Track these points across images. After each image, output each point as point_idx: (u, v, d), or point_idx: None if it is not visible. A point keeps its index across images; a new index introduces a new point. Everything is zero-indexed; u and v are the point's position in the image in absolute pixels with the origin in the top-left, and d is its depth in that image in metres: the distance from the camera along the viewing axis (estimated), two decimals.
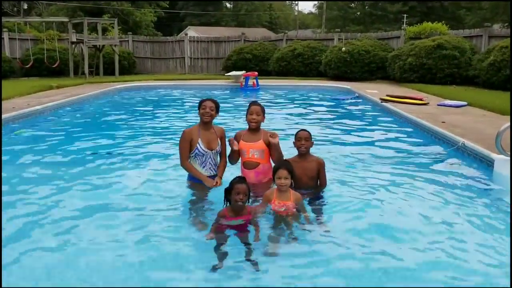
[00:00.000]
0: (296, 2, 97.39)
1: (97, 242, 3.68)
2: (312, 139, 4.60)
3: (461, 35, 17.94)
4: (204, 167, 4.74)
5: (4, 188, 4.83)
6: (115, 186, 5.09)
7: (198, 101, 4.87)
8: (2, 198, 4.45)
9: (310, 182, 4.55)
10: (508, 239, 3.70)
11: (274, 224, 3.89)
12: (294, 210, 4.01)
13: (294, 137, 4.61)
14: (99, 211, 4.33)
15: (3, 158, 6.00)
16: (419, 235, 3.85)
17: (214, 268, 3.24)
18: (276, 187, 4.09)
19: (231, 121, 9.13)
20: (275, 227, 3.85)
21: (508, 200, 4.62)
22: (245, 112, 4.72)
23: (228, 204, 3.91)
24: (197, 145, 4.65)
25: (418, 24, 20.56)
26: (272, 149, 4.57)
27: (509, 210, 4.40)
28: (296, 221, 3.93)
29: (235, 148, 4.65)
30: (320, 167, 4.58)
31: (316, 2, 66.09)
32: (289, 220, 3.92)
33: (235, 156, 4.76)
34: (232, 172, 4.77)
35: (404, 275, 3.23)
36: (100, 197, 4.73)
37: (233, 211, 3.86)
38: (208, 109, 4.66)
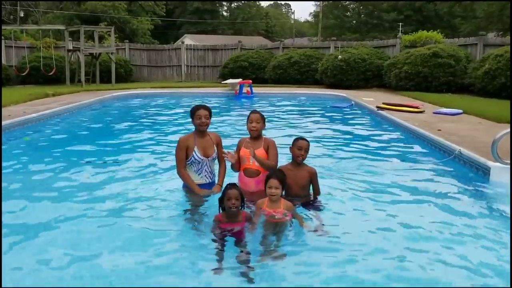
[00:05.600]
0: (292, 10, 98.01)
1: (94, 247, 3.68)
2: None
3: (456, 44, 18.09)
4: (199, 174, 4.73)
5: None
6: (110, 194, 5.07)
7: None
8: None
9: (300, 191, 4.50)
10: (507, 244, 3.72)
11: (265, 233, 3.85)
12: (287, 218, 3.97)
13: (292, 143, 4.55)
14: (94, 218, 4.31)
15: (4, 165, 5.98)
16: (415, 241, 3.85)
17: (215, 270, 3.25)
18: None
19: (225, 128, 9.12)
20: (266, 237, 3.82)
21: (505, 207, 4.64)
22: (245, 121, 4.71)
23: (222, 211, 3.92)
24: (193, 152, 4.63)
25: (414, 32, 20.71)
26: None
27: (506, 216, 4.41)
28: (286, 231, 3.89)
29: (232, 161, 4.61)
30: (312, 176, 4.54)
31: (312, 11, 66.51)
32: (280, 229, 3.89)
33: (236, 166, 4.72)
34: (230, 179, 4.75)
35: (400, 280, 3.23)
36: (96, 205, 4.70)
37: (227, 217, 3.86)
38: (204, 118, 4.64)
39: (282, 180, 4.00)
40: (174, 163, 4.79)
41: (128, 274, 3.29)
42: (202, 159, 4.67)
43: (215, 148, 4.77)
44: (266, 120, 4.76)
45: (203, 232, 3.93)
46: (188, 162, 4.67)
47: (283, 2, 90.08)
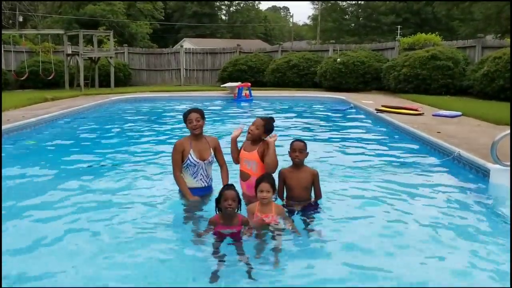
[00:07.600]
0: (291, 13, 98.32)
1: (90, 250, 3.68)
2: (307, 150, 4.59)
3: (455, 46, 18.11)
4: (195, 178, 4.73)
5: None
6: (109, 199, 5.05)
7: None
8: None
9: (303, 193, 4.53)
10: (507, 245, 3.72)
11: (260, 235, 3.85)
12: (278, 220, 3.96)
13: (289, 147, 4.59)
14: (93, 222, 4.31)
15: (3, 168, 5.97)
16: (415, 243, 3.85)
17: (213, 275, 3.24)
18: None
19: (224, 131, 9.08)
20: (262, 239, 3.81)
21: (504, 209, 4.64)
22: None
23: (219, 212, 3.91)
24: (189, 155, 4.64)
25: (412, 35, 20.74)
26: (265, 151, 4.50)
27: (505, 218, 4.41)
28: (280, 235, 3.87)
29: (234, 134, 4.67)
30: (314, 178, 4.56)
31: (310, 14, 66.76)
32: (275, 232, 3.87)
33: (234, 151, 4.74)
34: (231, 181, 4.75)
35: (400, 280, 3.23)
36: (94, 209, 4.70)
37: (224, 218, 3.84)
38: (195, 121, 4.66)
39: (272, 184, 4.03)
40: (171, 167, 4.79)
41: (126, 276, 3.28)
42: (198, 162, 4.67)
43: (212, 151, 4.77)
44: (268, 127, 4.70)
45: (200, 235, 3.91)
46: (184, 166, 4.68)
47: (281, 5, 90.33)
